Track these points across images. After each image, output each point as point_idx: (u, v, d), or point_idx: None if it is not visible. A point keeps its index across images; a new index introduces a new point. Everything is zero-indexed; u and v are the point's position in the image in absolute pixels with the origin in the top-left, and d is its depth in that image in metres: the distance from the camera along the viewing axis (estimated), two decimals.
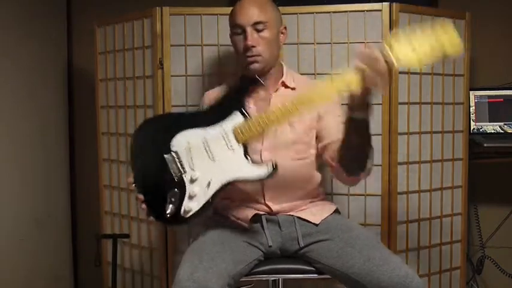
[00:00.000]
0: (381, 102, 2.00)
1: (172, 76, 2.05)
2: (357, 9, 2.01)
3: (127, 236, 2.19)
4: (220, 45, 2.04)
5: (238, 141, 1.45)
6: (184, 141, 1.48)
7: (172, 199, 1.46)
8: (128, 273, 2.27)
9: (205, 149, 1.47)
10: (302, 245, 1.58)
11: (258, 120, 1.42)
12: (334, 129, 1.59)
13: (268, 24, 1.58)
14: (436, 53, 1.24)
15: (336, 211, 1.70)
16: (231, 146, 1.46)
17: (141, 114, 2.14)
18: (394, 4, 1.98)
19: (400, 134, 2.03)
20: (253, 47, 1.57)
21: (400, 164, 2.03)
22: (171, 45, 2.04)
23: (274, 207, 1.63)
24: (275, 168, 1.43)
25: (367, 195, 2.03)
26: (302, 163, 1.64)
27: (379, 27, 1.99)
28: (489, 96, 2.36)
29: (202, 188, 1.45)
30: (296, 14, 2.02)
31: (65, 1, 2.69)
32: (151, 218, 1.51)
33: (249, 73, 1.61)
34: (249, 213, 1.60)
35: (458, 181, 2.17)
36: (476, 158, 2.21)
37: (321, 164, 1.71)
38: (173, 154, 1.48)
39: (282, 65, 1.72)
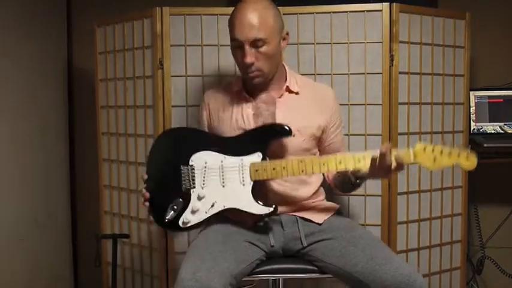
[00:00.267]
0: (381, 103, 2.00)
1: (172, 76, 2.05)
2: (357, 9, 2.01)
3: (127, 236, 2.19)
4: (220, 45, 2.05)
5: (251, 177, 1.55)
6: (203, 160, 1.59)
7: (175, 207, 1.56)
8: (127, 273, 2.27)
9: (220, 173, 1.57)
10: (305, 244, 1.59)
11: (275, 166, 1.54)
12: (336, 144, 1.72)
13: (267, 40, 1.55)
14: (449, 165, 1.49)
15: (338, 211, 1.71)
16: (243, 179, 1.56)
17: (141, 114, 2.14)
18: (394, 4, 1.98)
19: (400, 134, 2.03)
20: (252, 64, 1.56)
21: None
22: (171, 45, 2.04)
23: (279, 208, 1.63)
24: (275, 210, 1.54)
25: (367, 195, 2.03)
26: None
27: (379, 27, 1.99)
28: (489, 97, 2.36)
29: (205, 207, 1.56)
30: (296, 14, 2.02)
31: (65, 1, 2.69)
32: (151, 217, 1.60)
33: (251, 83, 1.63)
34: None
35: (458, 181, 2.17)
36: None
37: None
38: (189, 167, 1.58)
39: (284, 67, 1.71)
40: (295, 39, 2.01)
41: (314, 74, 2.03)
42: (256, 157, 1.56)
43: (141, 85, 2.13)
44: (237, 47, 1.57)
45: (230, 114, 1.68)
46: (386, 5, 1.98)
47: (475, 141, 2.24)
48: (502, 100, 2.37)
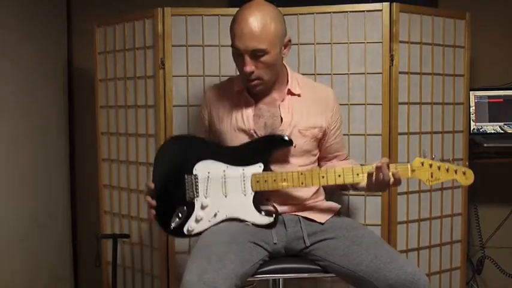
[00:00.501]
0: (381, 102, 2.00)
1: (173, 76, 2.05)
2: (357, 9, 2.01)
3: (127, 236, 2.19)
4: (221, 46, 2.05)
5: (252, 188, 1.58)
6: (206, 170, 1.61)
7: (180, 215, 1.60)
8: (128, 272, 2.27)
9: (222, 183, 1.60)
10: (308, 244, 1.59)
11: (275, 177, 1.57)
12: (336, 145, 1.75)
13: (268, 49, 1.53)
14: (447, 181, 1.57)
15: (340, 211, 1.72)
16: (244, 189, 1.59)
17: (142, 114, 2.14)
18: (394, 4, 1.99)
19: (400, 134, 2.03)
20: (252, 72, 1.56)
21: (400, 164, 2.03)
22: (173, 46, 2.04)
23: (280, 208, 1.65)
24: (275, 221, 1.58)
25: (367, 195, 2.03)
26: (307, 168, 1.68)
27: (379, 27, 1.99)
28: (489, 97, 2.37)
29: (208, 216, 1.60)
30: (296, 14, 2.02)
31: (65, 1, 2.70)
32: (156, 222, 1.63)
33: (252, 90, 1.64)
34: None
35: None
36: (476, 158, 2.22)
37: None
38: (193, 177, 1.61)
39: (286, 69, 1.71)
40: (295, 39, 2.01)
41: (314, 74, 2.03)
42: (258, 168, 1.59)
43: (143, 85, 2.13)
44: (238, 54, 1.57)
45: (230, 113, 1.68)
46: (386, 4, 1.99)
47: (475, 141, 2.24)
48: (502, 100, 2.37)
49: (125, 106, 2.20)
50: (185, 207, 1.61)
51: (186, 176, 1.61)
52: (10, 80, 2.27)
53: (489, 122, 2.37)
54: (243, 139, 1.64)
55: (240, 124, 1.65)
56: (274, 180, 1.57)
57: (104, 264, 2.31)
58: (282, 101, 1.67)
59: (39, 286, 2.47)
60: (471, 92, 2.32)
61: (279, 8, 1.61)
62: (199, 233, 1.59)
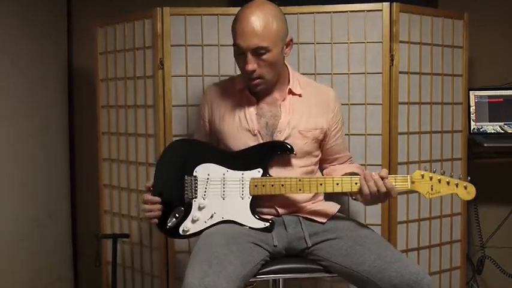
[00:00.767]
0: (381, 102, 2.00)
1: (172, 76, 2.05)
2: (357, 9, 2.01)
3: (127, 235, 2.19)
4: (221, 45, 2.05)
5: (250, 192, 1.59)
6: (207, 172, 1.63)
7: (177, 215, 1.61)
8: (128, 272, 2.27)
9: (221, 186, 1.61)
10: (309, 244, 1.59)
11: (273, 183, 1.58)
12: (338, 147, 1.76)
13: (270, 47, 1.53)
14: (447, 195, 1.53)
15: (339, 211, 1.72)
16: (242, 193, 1.60)
17: (141, 114, 2.14)
18: (394, 4, 1.99)
19: (400, 133, 2.03)
20: (254, 71, 1.56)
21: (400, 163, 2.04)
22: (172, 46, 2.04)
23: (280, 209, 1.65)
24: (271, 226, 1.59)
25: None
26: (308, 169, 1.69)
27: (379, 27, 1.99)
28: (489, 96, 2.37)
29: (204, 217, 1.61)
30: (296, 14, 2.02)
31: (65, 1, 2.70)
32: (154, 220, 1.63)
33: (253, 90, 1.64)
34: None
35: None
36: (476, 157, 2.22)
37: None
38: (193, 178, 1.62)
39: (287, 69, 1.71)
40: (295, 39, 2.00)
41: (314, 74, 2.03)
42: (257, 173, 1.60)
43: (142, 85, 2.13)
44: (239, 53, 1.56)
45: (233, 113, 1.68)
46: (386, 4, 1.99)
47: (475, 141, 2.24)
48: (502, 100, 2.37)
49: (125, 106, 2.20)
50: (183, 208, 1.61)
51: (186, 177, 1.62)
52: (10, 79, 2.27)
53: (489, 121, 2.36)
54: (246, 138, 1.64)
55: (244, 124, 1.65)
56: (272, 186, 1.57)
57: (103, 264, 2.31)
58: (283, 100, 1.67)
59: (40, 286, 2.47)
60: (471, 92, 2.32)
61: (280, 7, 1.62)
62: (195, 234, 1.60)
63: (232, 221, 1.59)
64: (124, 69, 2.19)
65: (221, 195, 1.61)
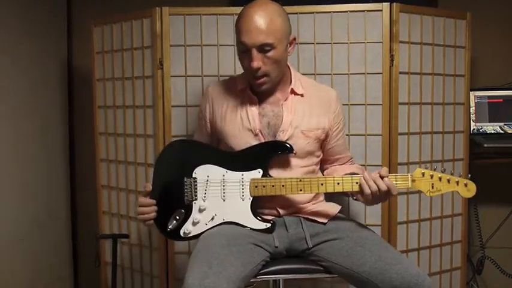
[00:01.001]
0: (381, 103, 2.00)
1: (172, 76, 2.05)
2: (357, 9, 2.00)
3: (127, 236, 2.19)
4: (220, 45, 2.04)
5: (250, 193, 1.58)
6: (206, 173, 1.62)
7: (177, 217, 1.60)
8: (127, 273, 2.27)
9: (221, 187, 1.60)
10: (310, 245, 1.59)
11: (274, 183, 1.57)
12: (338, 147, 1.76)
13: (275, 44, 1.53)
14: (448, 192, 1.53)
15: (340, 211, 1.72)
16: (243, 194, 1.59)
17: (140, 114, 2.14)
18: (394, 4, 1.98)
19: (401, 134, 2.03)
20: (259, 68, 1.55)
21: (400, 164, 2.03)
22: (171, 45, 2.04)
23: (280, 210, 1.65)
24: (272, 226, 1.58)
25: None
26: (309, 169, 1.69)
27: (379, 27, 1.99)
28: (489, 97, 2.36)
29: (205, 219, 1.60)
30: (296, 13, 2.02)
31: (65, 1, 2.69)
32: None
33: (257, 89, 1.63)
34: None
35: None
36: (476, 158, 2.21)
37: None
38: (192, 180, 1.61)
39: (289, 69, 1.71)
40: None
41: (314, 74, 2.03)
42: (257, 173, 1.59)
43: (141, 85, 2.12)
44: (244, 51, 1.56)
45: (235, 112, 1.67)
46: (386, 4, 1.98)
47: (475, 141, 2.23)
48: (502, 100, 2.37)
49: (123, 106, 2.19)
50: (183, 210, 1.61)
51: (185, 179, 1.61)
52: (10, 79, 2.27)
53: (489, 122, 2.36)
54: (247, 138, 1.64)
55: (246, 123, 1.65)
56: (273, 186, 1.57)
57: (102, 264, 2.31)
58: (285, 100, 1.67)
59: (40, 286, 2.47)
60: (471, 92, 2.31)
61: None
62: (196, 236, 1.59)
63: (234, 222, 1.59)
64: (122, 69, 2.18)
65: (221, 197, 1.60)
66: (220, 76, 2.04)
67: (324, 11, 2.02)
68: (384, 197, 1.50)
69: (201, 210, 1.60)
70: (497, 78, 2.47)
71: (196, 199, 1.61)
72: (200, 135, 1.81)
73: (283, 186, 1.56)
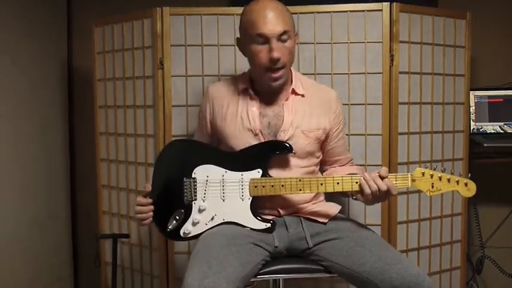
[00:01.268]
0: (381, 102, 2.00)
1: (172, 76, 2.05)
2: (357, 9, 2.01)
3: (127, 236, 2.19)
4: (220, 45, 2.04)
5: (250, 193, 1.58)
6: (205, 173, 1.62)
7: (177, 217, 1.61)
8: (127, 273, 2.27)
9: (220, 187, 1.60)
10: (311, 245, 1.59)
11: (273, 183, 1.57)
12: (339, 148, 1.76)
13: (291, 33, 1.57)
14: (448, 192, 1.53)
15: (340, 211, 1.72)
16: (242, 195, 1.59)
17: (141, 114, 2.14)
18: (394, 4, 1.99)
19: (401, 134, 2.03)
20: (279, 59, 1.56)
21: (400, 164, 2.04)
22: (171, 45, 2.04)
23: (281, 210, 1.65)
24: (272, 226, 1.59)
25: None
26: (309, 170, 1.69)
27: (379, 27, 1.99)
28: (489, 96, 2.36)
29: (205, 219, 1.60)
30: (296, 13, 2.02)
31: (65, 1, 2.69)
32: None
33: (268, 88, 1.63)
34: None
35: None
36: (476, 158, 2.21)
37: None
38: (192, 180, 1.61)
39: (290, 69, 1.71)
40: None
41: (314, 74, 2.03)
42: (256, 173, 1.59)
43: (141, 85, 2.13)
44: (262, 43, 1.56)
45: (235, 112, 1.67)
46: (386, 4, 1.98)
47: (475, 141, 2.24)
48: (502, 100, 2.37)
49: (123, 106, 2.19)
50: (183, 210, 1.61)
51: (185, 179, 1.61)
52: (10, 79, 2.27)
53: (489, 122, 2.36)
54: (248, 138, 1.64)
55: (246, 123, 1.65)
56: (272, 186, 1.57)
57: (102, 264, 2.31)
58: (286, 100, 1.67)
59: (40, 286, 2.47)
60: (471, 92, 2.32)
61: None
62: (196, 236, 1.60)
63: (234, 222, 1.59)
64: (122, 69, 2.18)
65: (221, 197, 1.60)
66: (221, 76, 2.04)
67: (324, 10, 2.02)
68: (383, 196, 1.51)
69: (200, 211, 1.60)
70: (497, 78, 2.47)
71: (195, 199, 1.61)
72: (200, 135, 1.81)
73: (282, 186, 1.56)
